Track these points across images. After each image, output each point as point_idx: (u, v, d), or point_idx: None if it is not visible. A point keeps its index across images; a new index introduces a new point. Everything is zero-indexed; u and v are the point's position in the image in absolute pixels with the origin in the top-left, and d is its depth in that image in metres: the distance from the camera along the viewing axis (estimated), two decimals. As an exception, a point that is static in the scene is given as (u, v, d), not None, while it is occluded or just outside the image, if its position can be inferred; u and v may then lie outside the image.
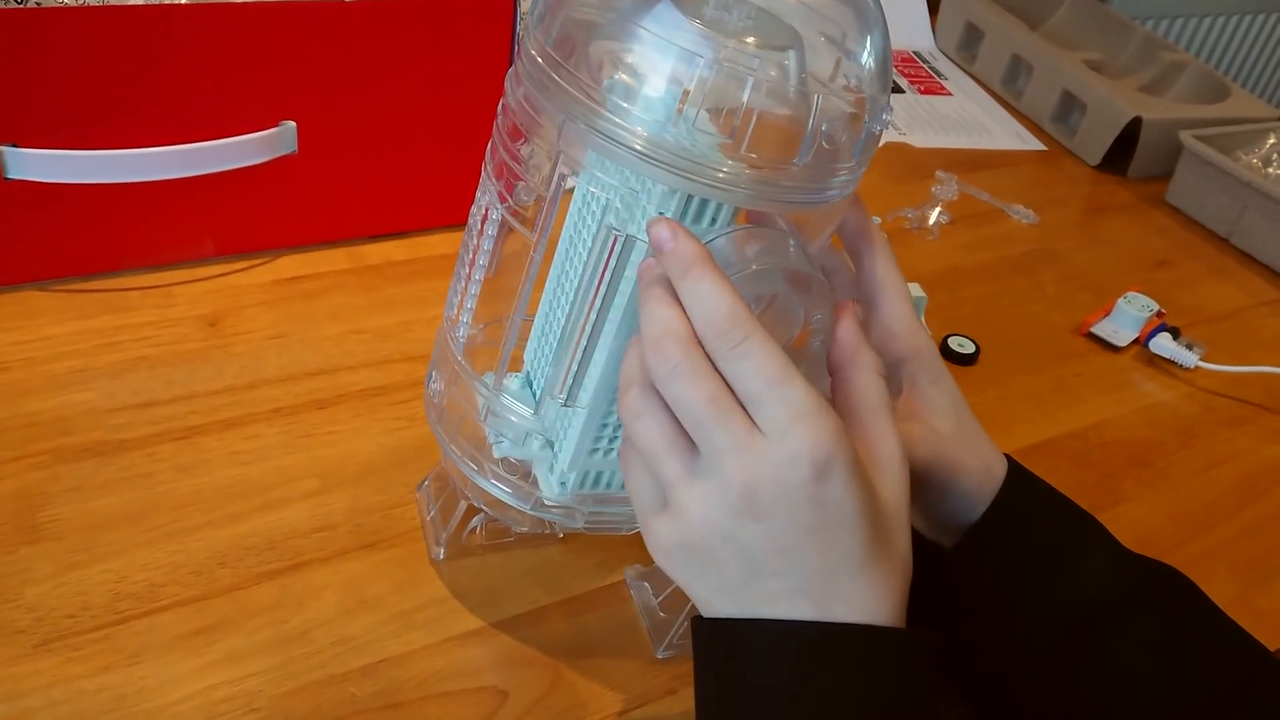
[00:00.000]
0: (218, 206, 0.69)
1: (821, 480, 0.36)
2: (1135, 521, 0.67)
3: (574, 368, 0.43)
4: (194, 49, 0.62)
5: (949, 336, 0.78)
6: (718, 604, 0.39)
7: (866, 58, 0.43)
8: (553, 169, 0.42)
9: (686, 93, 0.39)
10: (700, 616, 0.40)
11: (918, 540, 0.52)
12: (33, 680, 0.46)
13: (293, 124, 0.68)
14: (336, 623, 0.51)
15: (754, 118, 0.39)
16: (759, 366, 0.37)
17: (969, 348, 0.78)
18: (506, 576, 0.55)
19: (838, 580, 0.38)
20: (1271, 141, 1.03)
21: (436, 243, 0.77)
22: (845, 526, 0.37)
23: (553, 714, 0.49)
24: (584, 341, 0.43)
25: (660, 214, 0.40)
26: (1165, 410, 0.77)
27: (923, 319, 0.79)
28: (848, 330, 0.41)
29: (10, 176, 0.61)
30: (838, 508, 0.37)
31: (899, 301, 0.47)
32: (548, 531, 0.57)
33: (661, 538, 0.39)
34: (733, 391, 0.38)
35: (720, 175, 0.39)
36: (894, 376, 0.47)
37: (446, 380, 0.50)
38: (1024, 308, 0.85)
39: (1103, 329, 0.83)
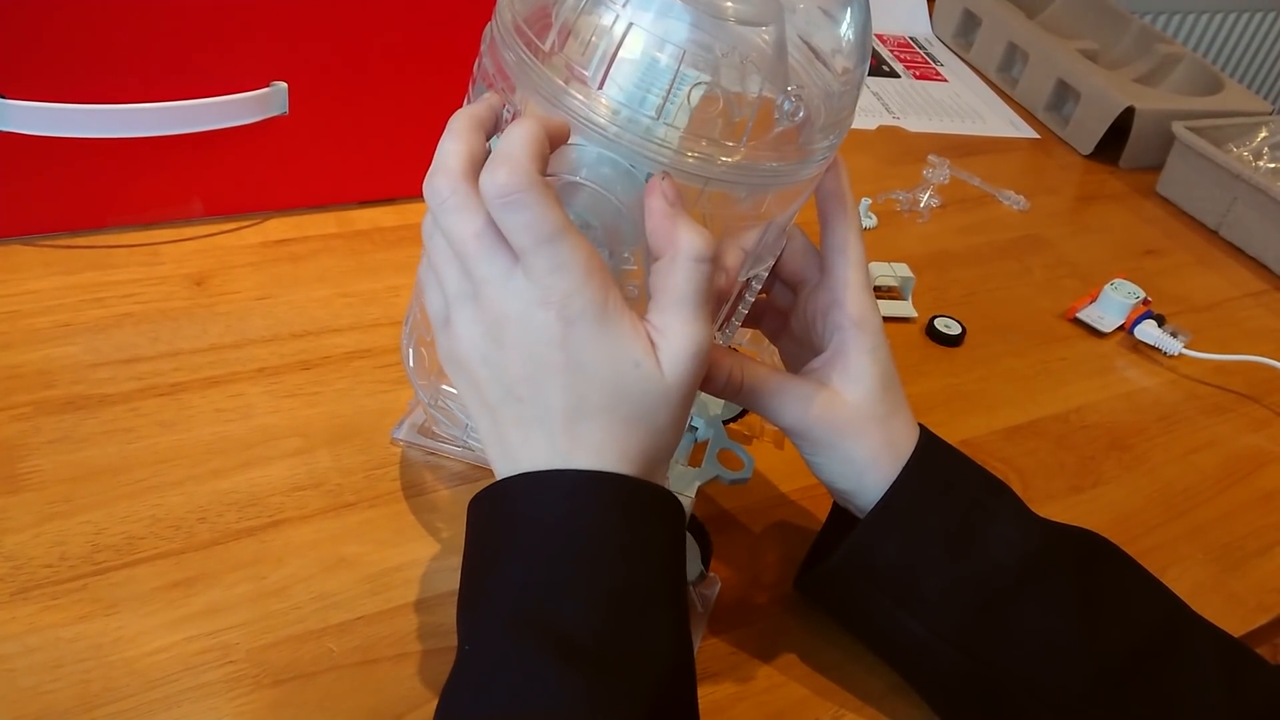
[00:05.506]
0: (207, 166, 0.69)
1: (567, 326, 0.38)
2: (1113, 504, 0.67)
3: None
4: (187, 4, 0.62)
5: (936, 317, 0.79)
6: (480, 422, 0.41)
7: (846, 29, 0.43)
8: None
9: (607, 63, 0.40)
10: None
11: (838, 519, 0.53)
12: (9, 627, 0.46)
13: (284, 85, 0.68)
14: (315, 579, 0.51)
15: (698, 96, 0.40)
16: (530, 222, 0.37)
17: (955, 329, 0.78)
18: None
19: (574, 420, 0.39)
20: (1263, 135, 1.03)
21: (425, 210, 0.76)
22: (583, 375, 0.38)
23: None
24: None
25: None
26: (1147, 396, 0.77)
27: (910, 299, 0.80)
28: (658, 211, 0.39)
29: (-3, 128, 0.61)
30: (577, 354, 0.38)
31: (852, 270, 0.48)
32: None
33: (442, 349, 0.42)
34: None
35: (689, 160, 0.40)
36: (832, 339, 0.48)
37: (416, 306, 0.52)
38: (1011, 291, 0.86)
39: (1088, 314, 0.83)
